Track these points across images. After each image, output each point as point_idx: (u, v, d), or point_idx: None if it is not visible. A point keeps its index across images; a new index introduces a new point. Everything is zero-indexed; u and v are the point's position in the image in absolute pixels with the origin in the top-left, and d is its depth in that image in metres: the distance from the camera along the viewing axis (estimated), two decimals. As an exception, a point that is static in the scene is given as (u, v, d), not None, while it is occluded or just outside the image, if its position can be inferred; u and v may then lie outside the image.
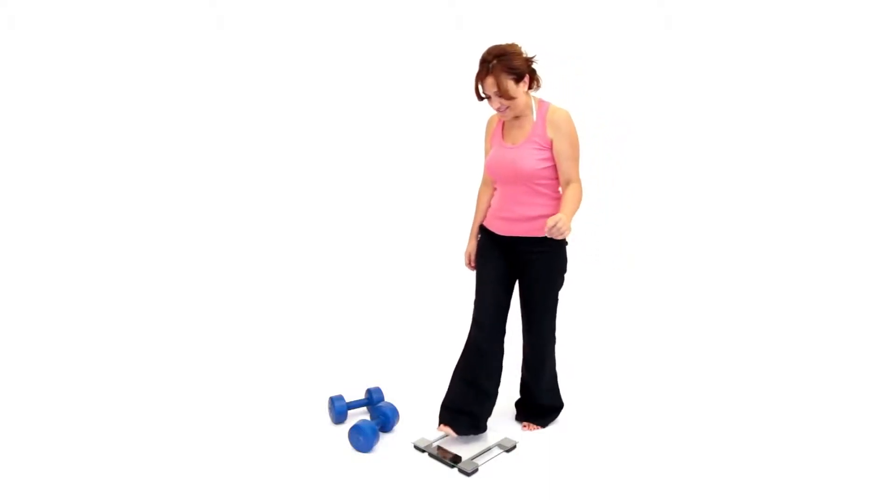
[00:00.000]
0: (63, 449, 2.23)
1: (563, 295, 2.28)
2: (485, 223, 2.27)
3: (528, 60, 2.04)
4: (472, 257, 2.34)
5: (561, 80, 4.12)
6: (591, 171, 4.16)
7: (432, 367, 2.82)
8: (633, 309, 3.70)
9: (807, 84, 3.89)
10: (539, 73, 2.08)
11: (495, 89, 1.99)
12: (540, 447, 2.22)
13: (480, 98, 2.07)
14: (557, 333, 2.33)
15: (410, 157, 4.35)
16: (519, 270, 2.23)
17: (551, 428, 2.37)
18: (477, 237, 2.32)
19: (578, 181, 2.08)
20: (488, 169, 2.19)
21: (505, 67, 1.98)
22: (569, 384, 2.78)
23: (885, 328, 3.30)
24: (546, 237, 2.02)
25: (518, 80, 2.01)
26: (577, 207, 2.05)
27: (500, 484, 2.00)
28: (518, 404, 2.46)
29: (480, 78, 2.02)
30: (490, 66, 1.99)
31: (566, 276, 2.26)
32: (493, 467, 2.10)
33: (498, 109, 2.06)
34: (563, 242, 2.21)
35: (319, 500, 1.91)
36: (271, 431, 2.36)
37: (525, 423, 2.38)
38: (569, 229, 1.96)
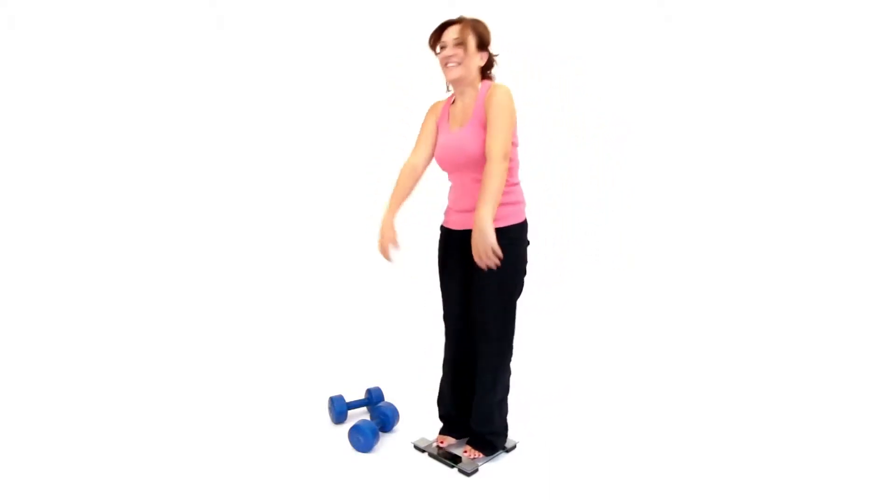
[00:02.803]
0: (63, 449, 2.23)
1: (564, 295, 2.27)
2: (444, 222, 2.17)
3: (491, 52, 2.04)
4: (388, 244, 2.09)
5: (561, 80, 4.15)
6: (592, 171, 4.21)
7: (432, 367, 2.82)
8: (633, 309, 3.70)
9: (807, 84, 3.88)
10: (496, 69, 2.08)
11: (455, 36, 1.95)
12: (540, 447, 2.22)
13: (434, 46, 2.02)
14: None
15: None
16: (472, 270, 2.01)
17: (551, 428, 2.36)
18: (393, 225, 2.10)
19: (497, 160, 1.85)
20: (438, 159, 2.10)
21: (474, 27, 1.98)
22: (569, 384, 2.79)
23: (884, 328, 3.30)
24: (500, 231, 1.91)
25: (479, 47, 1.99)
26: (497, 196, 1.82)
27: (500, 484, 2.00)
28: (449, 419, 2.26)
29: (444, 26, 1.99)
30: (460, 18, 1.99)
31: (525, 279, 2.07)
32: (493, 467, 2.10)
33: (446, 63, 1.98)
34: (522, 239, 2.05)
35: (319, 500, 1.91)
36: (271, 431, 2.36)
37: (466, 449, 2.16)
38: (491, 244, 1.77)
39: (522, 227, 2.04)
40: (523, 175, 2.11)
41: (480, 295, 2.02)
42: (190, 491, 1.96)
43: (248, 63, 4.26)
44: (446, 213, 2.17)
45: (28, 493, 1.95)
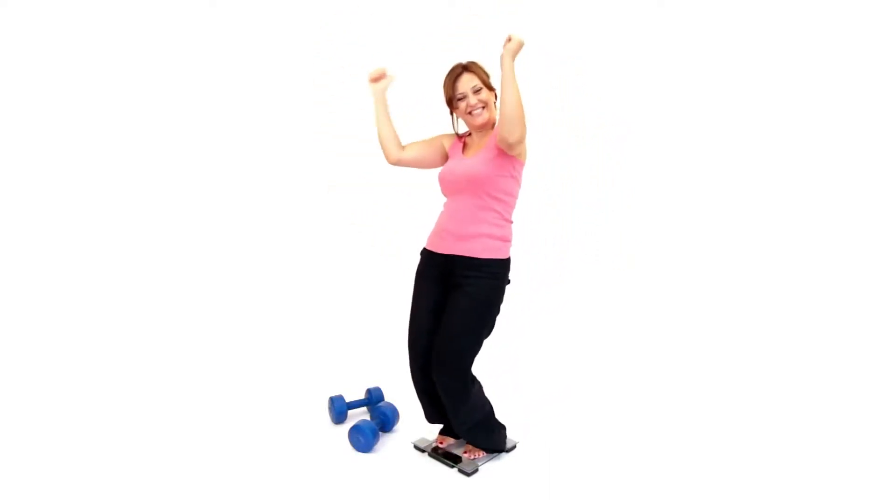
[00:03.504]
0: (64, 449, 2.23)
1: (564, 295, 2.26)
2: (427, 244, 2.11)
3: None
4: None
5: (561, 80, 4.15)
6: (592, 171, 4.21)
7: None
8: (633, 309, 3.70)
9: (807, 85, 3.88)
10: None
11: (473, 84, 1.96)
12: (540, 447, 2.22)
13: (451, 102, 2.01)
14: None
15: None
16: (447, 297, 2.02)
17: (551, 428, 2.36)
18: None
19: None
20: (442, 180, 2.05)
21: (481, 70, 2.01)
22: (569, 384, 2.79)
23: (884, 329, 3.30)
24: (484, 263, 1.93)
25: (489, 87, 2.02)
26: (516, 87, 1.84)
27: (500, 484, 2.00)
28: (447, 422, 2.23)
29: (455, 76, 1.98)
30: (465, 65, 1.99)
31: (497, 320, 2.02)
32: (493, 467, 2.10)
33: (472, 111, 1.97)
34: (503, 276, 2.01)
35: (319, 500, 1.91)
36: (271, 431, 2.36)
37: (466, 449, 2.16)
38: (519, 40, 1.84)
39: (505, 264, 2.01)
40: (523, 174, 2.11)
41: (450, 323, 1.96)
42: (190, 491, 1.96)
43: (247, 65, 4.26)
44: (430, 236, 2.11)
45: (28, 493, 1.95)
